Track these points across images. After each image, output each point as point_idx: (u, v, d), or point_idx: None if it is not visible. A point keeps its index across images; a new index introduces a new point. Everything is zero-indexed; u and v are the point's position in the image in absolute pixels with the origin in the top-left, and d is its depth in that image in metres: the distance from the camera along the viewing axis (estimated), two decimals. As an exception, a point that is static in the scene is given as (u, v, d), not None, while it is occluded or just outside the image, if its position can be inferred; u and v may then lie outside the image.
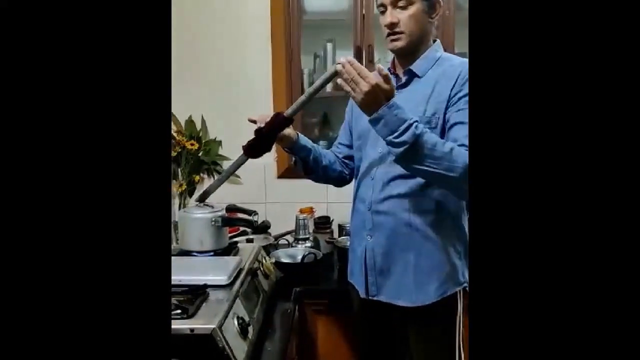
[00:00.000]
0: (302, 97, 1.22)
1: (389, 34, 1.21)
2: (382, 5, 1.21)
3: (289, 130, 1.29)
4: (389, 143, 1.09)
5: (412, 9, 1.19)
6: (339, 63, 1.11)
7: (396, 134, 1.07)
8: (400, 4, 1.18)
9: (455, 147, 1.09)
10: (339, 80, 1.09)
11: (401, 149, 1.08)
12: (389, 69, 1.29)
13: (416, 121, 1.08)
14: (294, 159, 1.40)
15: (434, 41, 1.27)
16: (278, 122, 1.24)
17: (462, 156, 1.08)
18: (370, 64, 1.90)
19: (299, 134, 1.35)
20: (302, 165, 1.39)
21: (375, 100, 1.07)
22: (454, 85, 1.18)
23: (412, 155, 1.08)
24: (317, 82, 1.18)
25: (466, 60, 1.24)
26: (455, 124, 1.16)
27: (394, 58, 1.30)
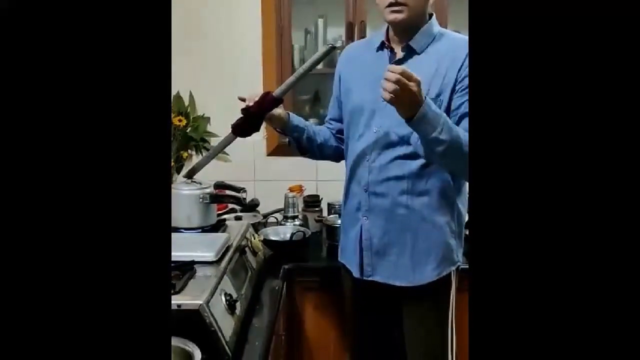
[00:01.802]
0: (292, 78, 1.19)
1: (390, 4, 1.14)
2: None
3: (279, 111, 1.26)
4: (433, 141, 1.06)
5: None
6: (327, 43, 1.06)
7: (438, 129, 1.05)
8: None
9: None
10: (382, 91, 1.02)
11: (443, 147, 1.06)
12: (382, 42, 1.25)
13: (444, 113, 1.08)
14: (288, 139, 1.37)
15: (430, 16, 1.23)
16: (267, 102, 1.21)
17: None
18: (362, 41, 1.87)
19: (290, 113, 1.32)
20: (296, 145, 1.36)
21: (417, 100, 1.02)
22: (461, 67, 1.15)
23: (449, 150, 1.07)
24: (307, 63, 1.15)
25: (467, 38, 1.19)
26: (466, 114, 1.14)
27: (387, 30, 1.24)
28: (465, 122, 1.14)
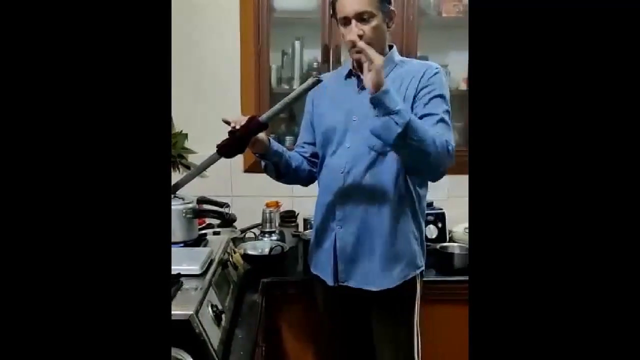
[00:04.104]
0: (278, 106, 1.26)
1: (353, 46, 1.26)
2: (345, 18, 1.26)
3: (262, 135, 1.31)
4: (396, 112, 1.13)
5: (374, 22, 1.26)
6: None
7: (400, 106, 1.14)
8: (364, 16, 1.25)
9: (430, 127, 1.21)
10: (358, 55, 1.20)
11: (405, 120, 1.13)
12: (350, 71, 1.39)
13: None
14: (264, 163, 1.42)
15: (390, 47, 1.38)
16: (253, 125, 1.26)
17: (438, 136, 1.19)
18: (337, 64, 1.96)
19: (271, 139, 1.38)
20: (273, 170, 1.41)
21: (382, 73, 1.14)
22: (420, 81, 1.29)
23: (411, 129, 1.14)
24: (294, 93, 1.22)
25: (426, 62, 1.38)
26: (424, 115, 1.26)
27: (353, 61, 1.37)
28: (426, 120, 1.26)
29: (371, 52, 1.12)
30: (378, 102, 1.14)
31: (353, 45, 1.26)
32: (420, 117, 1.25)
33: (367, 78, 1.14)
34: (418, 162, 1.25)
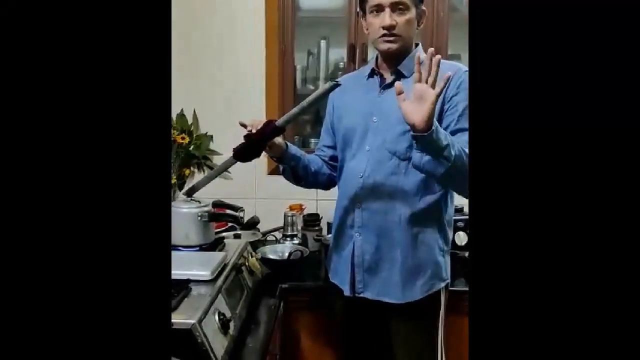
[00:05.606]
0: (295, 109, 1.22)
1: (384, 35, 1.21)
2: (379, 5, 1.21)
3: (279, 140, 1.28)
4: (445, 157, 1.05)
5: (408, 15, 1.21)
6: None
7: (446, 143, 1.05)
8: (400, 6, 1.20)
9: (465, 144, 1.12)
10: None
11: (450, 163, 1.06)
12: (372, 69, 1.32)
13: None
14: (282, 167, 1.39)
15: (416, 45, 1.31)
16: (269, 130, 1.23)
17: None
18: (363, 64, 1.90)
19: (288, 143, 1.34)
20: (291, 174, 1.39)
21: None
22: (449, 86, 1.19)
23: (457, 166, 1.07)
24: (311, 97, 1.18)
25: (453, 63, 1.27)
26: (458, 130, 1.18)
27: (376, 58, 1.32)
28: (456, 138, 1.16)
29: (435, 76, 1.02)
30: (429, 141, 1.04)
31: (384, 34, 1.21)
32: (454, 132, 1.18)
33: (422, 110, 1.02)
34: (460, 187, 1.18)
